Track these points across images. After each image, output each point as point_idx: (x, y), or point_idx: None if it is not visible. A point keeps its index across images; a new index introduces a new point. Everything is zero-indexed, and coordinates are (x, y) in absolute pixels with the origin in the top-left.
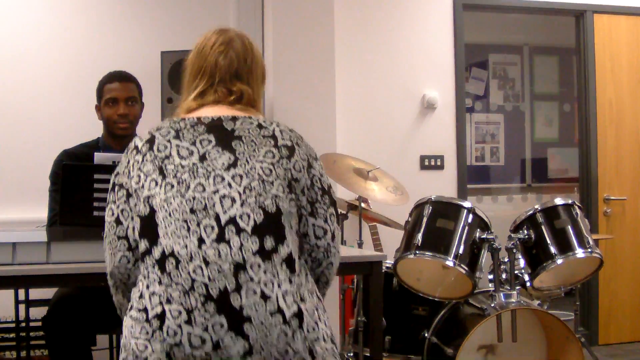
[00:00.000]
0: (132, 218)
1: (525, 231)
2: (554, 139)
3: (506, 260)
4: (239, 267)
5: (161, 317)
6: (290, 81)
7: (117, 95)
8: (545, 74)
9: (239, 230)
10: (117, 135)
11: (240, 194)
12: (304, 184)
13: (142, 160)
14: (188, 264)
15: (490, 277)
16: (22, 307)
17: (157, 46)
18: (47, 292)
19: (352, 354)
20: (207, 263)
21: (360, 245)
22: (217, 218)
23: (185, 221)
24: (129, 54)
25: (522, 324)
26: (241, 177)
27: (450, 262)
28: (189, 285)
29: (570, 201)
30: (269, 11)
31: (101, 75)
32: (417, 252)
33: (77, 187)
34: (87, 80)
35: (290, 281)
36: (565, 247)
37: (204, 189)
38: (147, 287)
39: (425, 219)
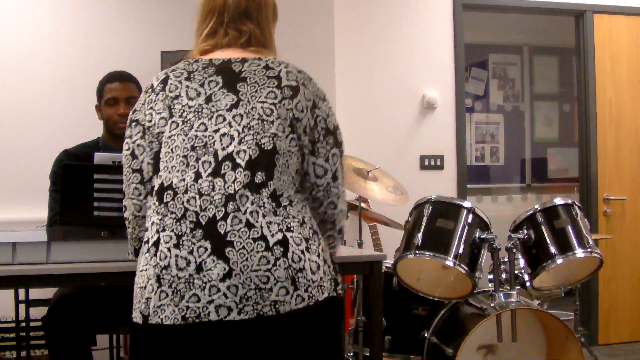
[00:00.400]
0: (147, 153)
1: (525, 231)
2: (553, 139)
3: (506, 260)
4: (229, 198)
5: (156, 243)
6: None
7: (118, 95)
8: (545, 74)
9: (235, 166)
10: (117, 135)
11: (239, 132)
12: (306, 123)
13: (155, 99)
14: (183, 195)
15: (490, 277)
16: (22, 307)
17: (157, 46)
18: (47, 292)
19: (352, 354)
20: (200, 194)
21: (360, 245)
22: (215, 154)
23: (185, 156)
24: (130, 54)
25: (522, 324)
26: (242, 116)
27: (450, 262)
28: (182, 213)
29: (570, 201)
30: None
31: (101, 75)
32: (417, 252)
33: (77, 187)
34: (88, 80)
35: (276, 213)
36: (565, 247)
37: (206, 129)
38: (150, 218)
39: (425, 219)
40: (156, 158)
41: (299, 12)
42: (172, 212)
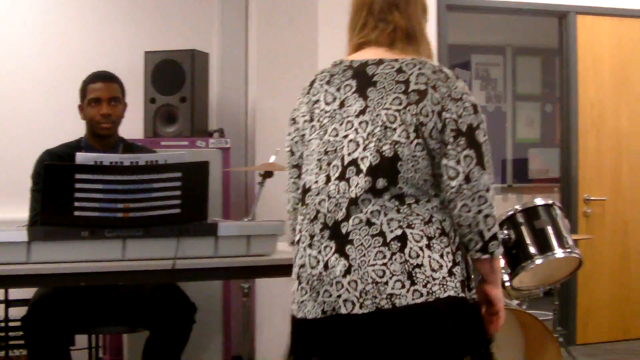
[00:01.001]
0: (298, 152)
1: (505, 231)
2: (535, 139)
3: None
4: (352, 202)
5: (298, 242)
6: (273, 80)
7: (100, 95)
8: (528, 74)
9: (359, 172)
10: (100, 135)
11: (363, 139)
12: (432, 127)
13: (302, 102)
14: (316, 197)
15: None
16: (1, 307)
17: (141, 46)
18: (27, 292)
19: None
20: (329, 197)
21: None
22: (342, 159)
23: (319, 160)
24: (113, 54)
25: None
26: (367, 123)
27: None
28: (314, 215)
29: (550, 201)
30: (253, 12)
31: (84, 75)
32: None
33: (58, 187)
34: (70, 80)
35: (399, 211)
36: (544, 248)
37: (337, 134)
38: (298, 218)
39: None
40: (303, 158)
41: (283, 12)
42: (308, 214)
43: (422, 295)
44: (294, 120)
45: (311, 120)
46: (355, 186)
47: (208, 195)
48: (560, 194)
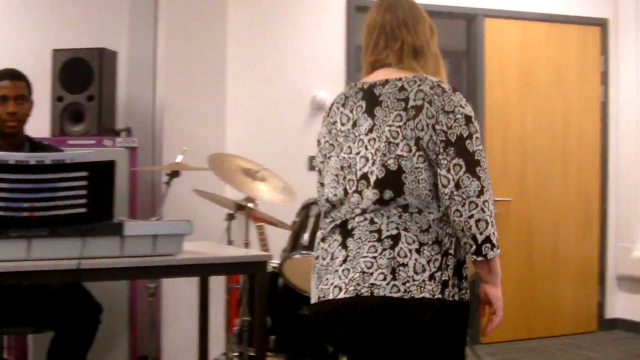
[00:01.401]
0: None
1: None
2: None
3: None
4: (364, 211)
5: (322, 239)
6: (181, 80)
7: (7, 93)
8: None
9: (368, 184)
10: (6, 133)
11: (372, 155)
12: (428, 139)
13: (323, 124)
14: (336, 209)
15: None
16: None
17: (49, 44)
18: None
19: (236, 354)
20: (349, 204)
21: (246, 245)
22: (356, 174)
23: (336, 175)
24: (20, 52)
25: None
26: (374, 140)
27: None
28: (331, 219)
29: None
30: (163, 11)
31: None
32: (304, 252)
33: None
34: None
35: (400, 217)
36: None
37: (351, 151)
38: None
39: (312, 219)
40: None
41: (193, 11)
42: (324, 220)
43: (399, 291)
44: (318, 142)
45: (329, 140)
46: (366, 197)
47: (114, 194)
48: None
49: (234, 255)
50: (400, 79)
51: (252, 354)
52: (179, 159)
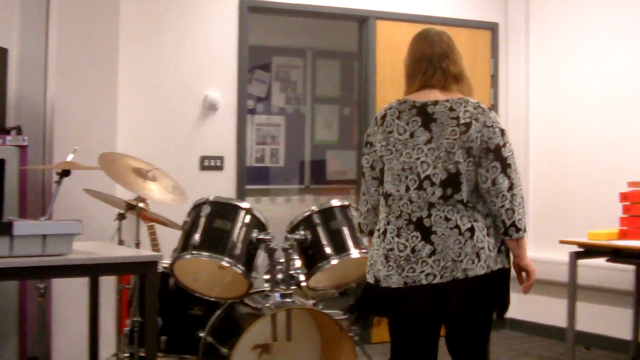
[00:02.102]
0: (378, 167)
1: (302, 232)
2: (333, 141)
3: (282, 260)
4: (430, 205)
5: (384, 232)
6: (73, 79)
7: None
8: (327, 77)
9: (432, 184)
10: None
11: (432, 161)
12: (476, 148)
13: (377, 131)
14: (399, 201)
15: (267, 277)
16: None
17: None
18: None
19: (127, 355)
20: (411, 201)
21: (137, 245)
22: (418, 175)
23: (398, 175)
24: None
25: (296, 323)
26: (434, 149)
27: (226, 262)
28: (399, 214)
29: (346, 203)
30: (54, 9)
31: None
32: (194, 252)
33: None
34: None
35: (466, 210)
36: (340, 248)
37: (411, 157)
38: (381, 214)
39: (203, 219)
40: (381, 173)
41: (84, 10)
42: (393, 212)
43: (483, 268)
44: (370, 144)
45: (387, 145)
46: (432, 194)
47: (4, 193)
48: (357, 195)
49: (124, 255)
50: (447, 101)
51: (142, 354)
52: (70, 157)
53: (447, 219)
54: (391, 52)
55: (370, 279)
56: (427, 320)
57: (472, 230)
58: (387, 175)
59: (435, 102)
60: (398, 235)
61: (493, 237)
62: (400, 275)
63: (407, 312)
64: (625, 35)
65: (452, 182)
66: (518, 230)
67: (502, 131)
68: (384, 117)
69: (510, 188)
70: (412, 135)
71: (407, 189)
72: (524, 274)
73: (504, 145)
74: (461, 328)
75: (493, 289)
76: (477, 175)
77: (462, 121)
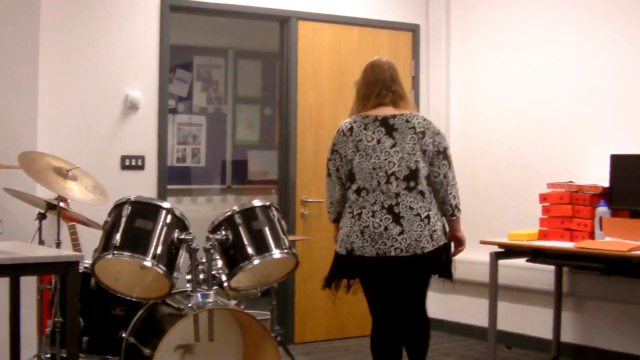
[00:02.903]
0: (344, 170)
1: (223, 232)
2: (254, 141)
3: (204, 260)
4: (397, 195)
5: (360, 214)
6: None
7: None
8: (249, 77)
9: (397, 179)
10: None
11: (397, 161)
12: (429, 151)
13: (347, 140)
14: (373, 192)
15: (188, 277)
16: None
17: None
18: None
19: (49, 356)
20: (382, 193)
21: (58, 245)
22: (386, 172)
23: (370, 173)
24: None
25: (219, 323)
26: (397, 152)
27: (148, 263)
28: (374, 201)
29: (267, 203)
30: None
31: None
32: (115, 252)
33: None
34: None
35: (423, 201)
36: (262, 248)
37: (379, 158)
38: (353, 203)
39: (124, 219)
40: (350, 173)
41: (3, 5)
42: (368, 201)
43: (434, 246)
44: (337, 152)
45: (357, 150)
46: (397, 187)
47: None
48: (278, 195)
49: (45, 255)
50: (402, 115)
51: (64, 355)
52: None
53: (411, 208)
54: (312, 52)
55: (342, 251)
56: (393, 282)
57: (428, 217)
58: (358, 174)
59: (394, 116)
60: (373, 216)
61: (440, 221)
62: (374, 247)
63: (378, 275)
64: (543, 39)
65: (413, 176)
66: (459, 211)
67: (444, 137)
68: (350, 129)
69: (453, 180)
70: (378, 141)
71: (379, 183)
72: (458, 243)
73: (448, 147)
74: (414, 289)
75: (440, 258)
76: (430, 171)
77: (417, 130)
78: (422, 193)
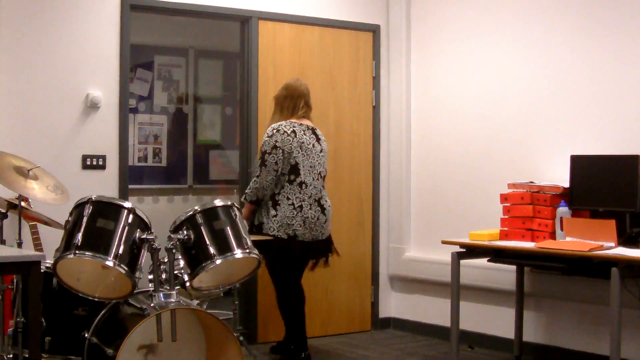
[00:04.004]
0: (284, 164)
1: (185, 232)
2: (216, 141)
3: (166, 260)
4: (321, 190)
5: (301, 207)
6: None
7: None
8: (210, 77)
9: (321, 177)
10: None
11: (323, 163)
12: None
13: (292, 140)
14: (309, 186)
15: (150, 277)
16: None
17: None
18: None
19: (11, 356)
20: (315, 187)
21: (20, 245)
22: (317, 171)
23: (309, 170)
24: None
25: (181, 323)
26: (322, 156)
27: (110, 262)
28: (310, 195)
29: (229, 202)
30: None
31: None
32: (77, 252)
33: None
34: None
35: (326, 197)
36: (224, 248)
37: (314, 159)
38: (292, 195)
39: (85, 219)
40: (291, 168)
41: None
42: (306, 194)
43: (328, 232)
44: (279, 148)
45: (301, 150)
46: (321, 184)
47: None
48: (240, 195)
49: (6, 255)
50: (314, 127)
51: (27, 355)
52: None
53: (326, 201)
54: (273, 52)
55: (284, 236)
56: (311, 259)
57: (329, 210)
58: (302, 169)
59: (313, 128)
60: (310, 209)
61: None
62: (311, 233)
63: (311, 255)
64: (503, 40)
65: (324, 177)
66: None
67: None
68: (294, 132)
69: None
70: (313, 146)
71: (313, 179)
72: None
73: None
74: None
75: (331, 242)
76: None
77: (321, 139)
78: (325, 189)
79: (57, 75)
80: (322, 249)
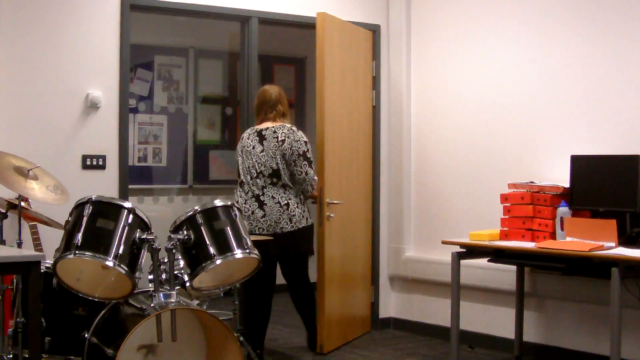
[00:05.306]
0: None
1: (185, 232)
2: (215, 141)
3: (166, 260)
4: (263, 187)
5: (244, 203)
6: None
7: None
8: (210, 77)
9: (264, 176)
10: None
11: (264, 162)
12: (288, 154)
13: (240, 145)
14: (248, 184)
15: (150, 277)
16: None
17: None
18: None
19: (11, 356)
20: (252, 185)
21: (19, 245)
22: (257, 170)
23: (246, 170)
24: None
25: (181, 323)
26: (264, 156)
27: (110, 262)
28: (247, 192)
29: (229, 203)
30: None
31: None
32: (77, 252)
33: None
34: None
35: (284, 193)
36: (224, 248)
37: (252, 160)
38: (237, 195)
39: (85, 219)
40: (237, 170)
41: None
42: (247, 192)
43: (293, 227)
44: (241, 151)
45: (242, 153)
46: (264, 182)
47: None
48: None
49: (6, 255)
50: (273, 127)
51: (27, 355)
52: None
53: (272, 197)
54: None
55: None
56: (274, 253)
57: (288, 205)
58: (241, 171)
59: (266, 128)
60: (245, 203)
61: (300, 208)
62: (250, 226)
63: (273, 250)
64: (503, 40)
65: (275, 174)
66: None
67: (306, 142)
68: (242, 137)
69: (314, 176)
70: (254, 147)
71: (251, 177)
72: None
73: (308, 150)
74: (289, 262)
75: (301, 237)
76: (294, 171)
77: (280, 139)
78: (284, 186)
79: (57, 75)
80: (280, 244)
